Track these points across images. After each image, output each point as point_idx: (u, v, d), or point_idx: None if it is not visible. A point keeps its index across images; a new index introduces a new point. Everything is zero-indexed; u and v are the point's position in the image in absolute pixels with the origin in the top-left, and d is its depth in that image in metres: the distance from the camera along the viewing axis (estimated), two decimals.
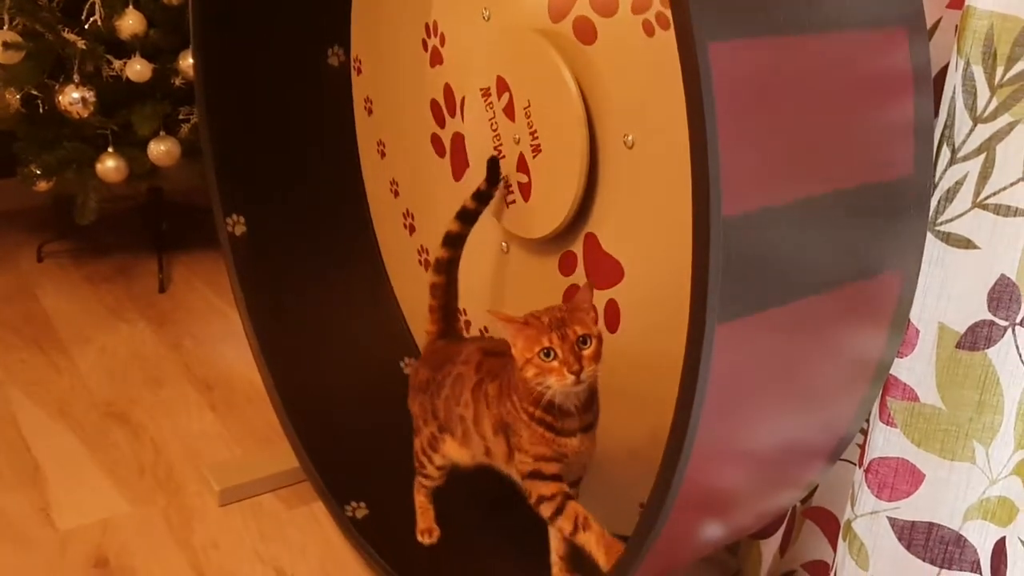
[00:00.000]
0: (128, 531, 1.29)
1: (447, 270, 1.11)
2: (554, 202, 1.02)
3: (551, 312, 0.86)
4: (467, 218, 1.10)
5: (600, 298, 1.01)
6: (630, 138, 0.93)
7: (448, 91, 1.22)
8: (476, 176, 1.13)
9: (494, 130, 1.09)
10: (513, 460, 0.96)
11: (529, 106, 1.03)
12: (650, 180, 0.92)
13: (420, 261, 1.36)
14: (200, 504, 1.35)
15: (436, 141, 1.27)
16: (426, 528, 1.17)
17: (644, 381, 0.99)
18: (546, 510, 0.92)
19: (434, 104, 1.26)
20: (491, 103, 1.09)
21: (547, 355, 0.83)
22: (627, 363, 0.99)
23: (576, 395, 0.88)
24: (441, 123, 1.25)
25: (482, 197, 1.09)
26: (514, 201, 1.09)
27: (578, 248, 1.03)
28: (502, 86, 1.07)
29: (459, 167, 1.23)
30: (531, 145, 1.04)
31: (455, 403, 1.03)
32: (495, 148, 1.10)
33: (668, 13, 0.85)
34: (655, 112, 0.90)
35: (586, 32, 0.97)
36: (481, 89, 1.10)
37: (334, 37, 1.42)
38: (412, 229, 1.38)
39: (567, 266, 1.06)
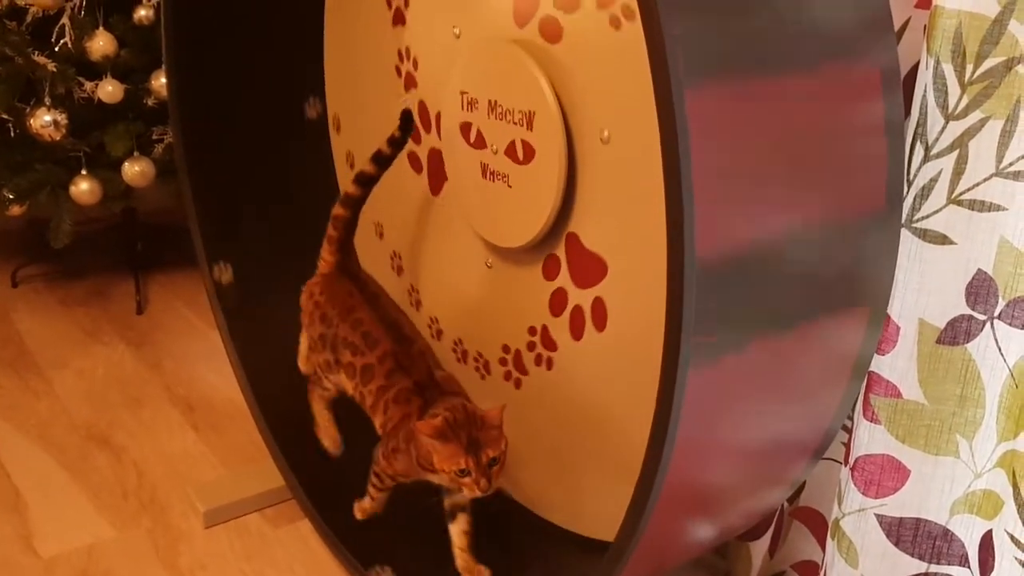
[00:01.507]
0: (113, 556, 1.27)
1: (353, 205, 1.18)
2: (536, 206, 1.02)
3: (468, 424, 0.96)
4: (381, 162, 1.16)
5: (586, 297, 1.01)
6: (606, 133, 0.93)
7: (423, 107, 1.22)
8: (455, 190, 1.13)
9: (471, 142, 1.10)
10: (386, 447, 1.08)
11: (504, 114, 1.03)
12: (628, 173, 0.92)
13: (411, 301, 1.36)
14: (185, 526, 1.34)
15: (413, 159, 1.27)
16: (332, 439, 1.24)
17: (633, 376, 0.98)
18: (372, 490, 1.14)
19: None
20: (467, 115, 1.09)
21: (462, 473, 0.95)
22: (616, 359, 0.99)
23: None
24: (416, 140, 1.25)
25: (395, 143, 1.15)
26: (496, 211, 1.09)
27: (560, 250, 1.03)
28: (476, 97, 1.07)
29: (437, 183, 1.23)
30: (509, 153, 1.04)
31: (361, 383, 1.10)
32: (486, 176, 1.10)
33: (633, 5, 0.86)
34: (628, 105, 0.91)
35: (553, 32, 0.97)
36: (459, 98, 1.10)
37: (307, 63, 1.43)
38: (400, 270, 1.38)
39: (551, 270, 1.06)
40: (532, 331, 1.12)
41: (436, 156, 1.20)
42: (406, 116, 1.14)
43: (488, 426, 0.96)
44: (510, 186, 1.05)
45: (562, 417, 1.11)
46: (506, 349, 1.17)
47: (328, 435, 1.24)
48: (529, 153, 1.01)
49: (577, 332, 1.04)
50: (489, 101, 1.05)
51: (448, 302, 1.28)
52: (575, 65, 0.95)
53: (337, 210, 1.18)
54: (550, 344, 1.09)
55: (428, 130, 1.22)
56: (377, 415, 1.09)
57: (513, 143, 1.03)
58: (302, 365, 1.26)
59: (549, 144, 0.98)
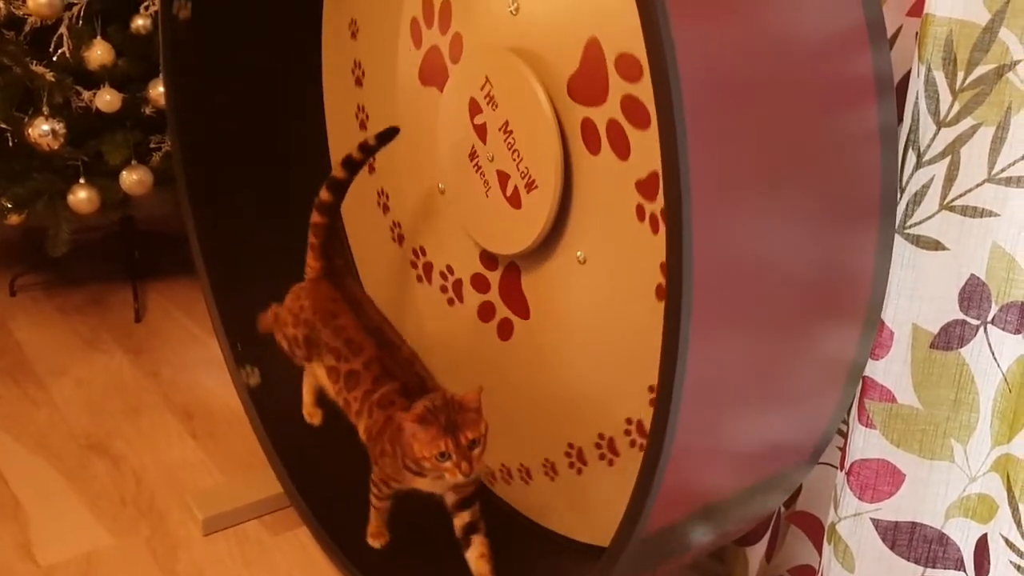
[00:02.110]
0: (112, 564, 1.27)
1: (329, 212, 1.20)
2: (535, 210, 1.03)
3: (446, 409, 0.96)
4: (351, 167, 1.18)
5: None
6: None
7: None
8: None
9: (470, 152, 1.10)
10: (371, 452, 1.09)
11: (503, 123, 1.04)
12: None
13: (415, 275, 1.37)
14: (184, 533, 1.34)
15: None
16: (311, 411, 1.27)
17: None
18: (373, 499, 1.14)
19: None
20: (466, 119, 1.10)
21: (442, 456, 0.95)
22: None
23: None
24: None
25: (367, 149, 1.16)
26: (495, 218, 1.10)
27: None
28: (475, 107, 1.07)
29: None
30: (508, 160, 1.05)
31: (345, 389, 1.11)
32: (474, 167, 1.10)
33: None
34: None
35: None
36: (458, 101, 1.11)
37: (306, 69, 1.43)
38: (401, 239, 1.38)
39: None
40: None
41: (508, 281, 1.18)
42: (391, 132, 1.16)
43: (466, 409, 0.97)
44: (508, 193, 1.06)
45: (557, 414, 1.11)
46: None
47: (307, 409, 1.28)
48: (527, 158, 1.02)
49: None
50: (486, 112, 1.06)
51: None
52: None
53: (315, 217, 1.20)
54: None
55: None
56: (362, 420, 1.09)
57: (513, 150, 1.04)
58: (308, 416, 1.28)
59: (544, 148, 0.99)
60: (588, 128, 0.96)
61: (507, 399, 1.18)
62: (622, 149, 0.93)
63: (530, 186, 1.03)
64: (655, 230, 0.92)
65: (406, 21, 1.22)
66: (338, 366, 1.12)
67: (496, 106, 1.04)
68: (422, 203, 1.28)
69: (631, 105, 0.90)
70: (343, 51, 1.37)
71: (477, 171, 1.10)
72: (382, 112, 1.31)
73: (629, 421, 1.01)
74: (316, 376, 1.20)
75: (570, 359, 1.07)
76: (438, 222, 1.26)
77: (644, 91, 0.89)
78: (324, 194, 1.19)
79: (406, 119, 1.25)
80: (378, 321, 1.15)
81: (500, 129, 1.04)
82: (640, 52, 0.88)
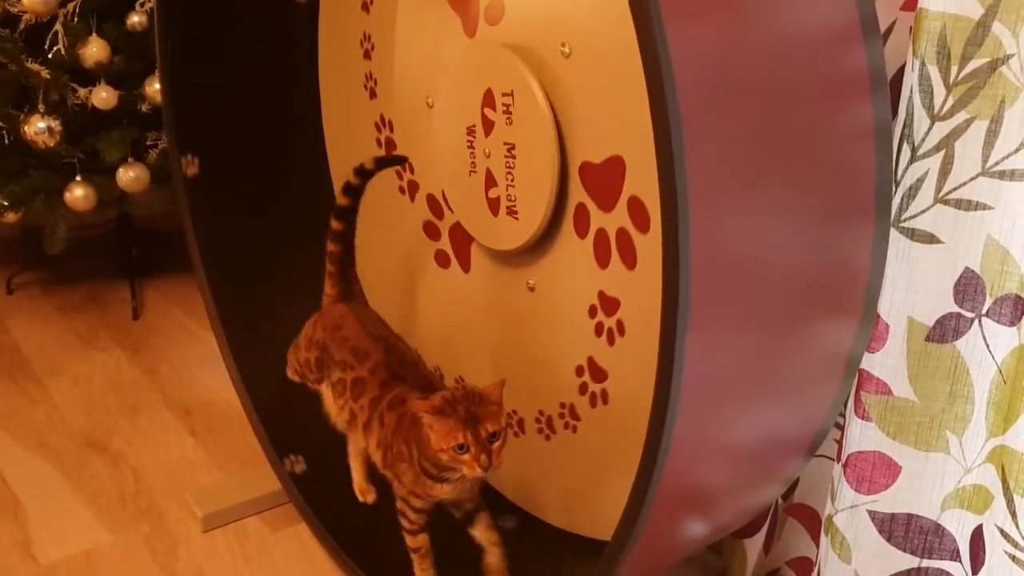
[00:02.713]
0: (112, 561, 1.28)
1: (342, 239, 1.19)
2: (533, 202, 1.03)
3: (466, 400, 0.93)
4: (352, 192, 1.17)
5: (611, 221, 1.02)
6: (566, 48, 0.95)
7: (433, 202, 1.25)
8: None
9: (469, 147, 1.10)
10: (386, 468, 1.06)
11: (511, 143, 1.04)
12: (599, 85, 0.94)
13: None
14: (184, 530, 1.34)
15: (440, 257, 1.29)
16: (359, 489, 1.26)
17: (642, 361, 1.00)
18: (405, 523, 1.07)
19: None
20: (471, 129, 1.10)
21: (460, 449, 0.92)
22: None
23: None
24: (435, 237, 1.27)
25: (364, 173, 1.16)
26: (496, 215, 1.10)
27: (581, 194, 1.03)
28: (489, 100, 1.07)
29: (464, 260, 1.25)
30: (503, 155, 1.05)
31: (352, 399, 1.10)
32: (470, 167, 1.11)
33: None
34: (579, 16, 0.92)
35: (495, 14, 0.99)
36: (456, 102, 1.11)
37: (303, 68, 1.43)
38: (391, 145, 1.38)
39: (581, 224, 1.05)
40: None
41: (458, 232, 1.22)
42: (395, 159, 1.18)
43: (487, 402, 0.94)
44: (507, 188, 1.06)
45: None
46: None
47: (357, 486, 1.27)
48: (523, 152, 1.02)
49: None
50: (483, 107, 1.06)
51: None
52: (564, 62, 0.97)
53: (329, 247, 1.20)
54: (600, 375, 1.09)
55: (440, 216, 1.25)
56: (372, 430, 1.07)
57: (508, 146, 1.04)
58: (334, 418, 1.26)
59: (542, 139, 0.99)
60: (581, 214, 1.00)
61: None
62: (629, 259, 0.96)
63: (511, 210, 1.06)
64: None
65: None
66: (344, 376, 1.10)
67: (511, 121, 1.04)
68: (415, 120, 1.27)
69: (636, 207, 0.93)
70: (344, 45, 1.38)
71: (470, 149, 1.10)
72: (387, 77, 1.31)
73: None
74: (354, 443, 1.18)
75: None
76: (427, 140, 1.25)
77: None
78: (334, 223, 1.19)
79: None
80: (384, 331, 1.14)
81: (504, 143, 1.05)
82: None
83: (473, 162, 1.09)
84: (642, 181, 0.93)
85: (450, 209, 1.19)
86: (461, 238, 1.21)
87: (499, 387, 0.95)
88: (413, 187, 1.29)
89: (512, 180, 1.05)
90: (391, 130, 1.29)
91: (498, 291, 1.17)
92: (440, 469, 0.97)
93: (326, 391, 1.17)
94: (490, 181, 1.08)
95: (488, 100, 1.05)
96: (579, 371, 1.06)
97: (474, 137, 1.08)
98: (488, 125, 1.06)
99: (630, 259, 0.96)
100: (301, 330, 1.22)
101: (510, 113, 1.02)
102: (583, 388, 1.06)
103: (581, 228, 1.02)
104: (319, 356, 1.16)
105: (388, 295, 1.41)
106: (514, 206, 1.06)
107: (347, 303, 1.19)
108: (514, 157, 1.04)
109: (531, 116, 1.00)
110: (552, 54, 0.97)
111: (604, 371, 1.03)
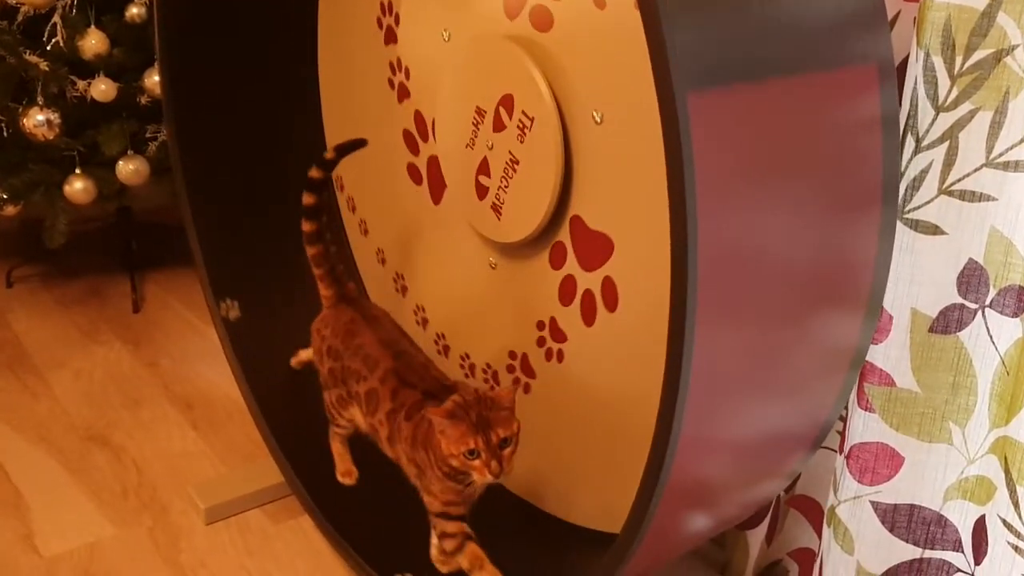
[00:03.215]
0: (115, 554, 1.28)
1: (317, 240, 1.19)
2: (536, 196, 1.03)
3: (478, 405, 0.92)
4: (316, 187, 1.17)
5: (595, 279, 1.02)
6: (598, 115, 0.94)
7: (419, 117, 1.23)
8: (454, 197, 1.15)
9: (471, 142, 1.10)
10: (422, 483, 1.03)
11: (499, 109, 1.04)
12: (624, 150, 0.93)
13: (417, 320, 1.37)
14: (186, 523, 1.34)
15: (412, 170, 1.27)
16: (345, 471, 1.22)
17: (646, 353, 0.99)
18: (449, 545, 1.02)
19: (407, 134, 1.26)
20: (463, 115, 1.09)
21: (471, 454, 0.92)
22: (630, 336, 1.00)
23: None
24: (415, 151, 1.25)
25: (326, 165, 1.16)
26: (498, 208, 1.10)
27: (565, 235, 1.03)
28: (508, 103, 1.07)
29: (437, 192, 1.24)
30: (506, 147, 1.05)
31: (369, 413, 1.09)
32: (470, 141, 1.10)
33: None
34: (618, 84, 0.91)
35: (543, 20, 0.98)
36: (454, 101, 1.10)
37: (302, 53, 1.43)
38: (404, 290, 1.38)
39: (558, 258, 1.06)
40: (540, 326, 1.12)
41: (435, 164, 1.21)
42: (358, 143, 1.16)
43: (499, 407, 0.93)
44: (510, 181, 1.06)
45: (569, 409, 1.12)
46: (512, 355, 1.18)
47: (342, 469, 1.23)
48: (526, 144, 1.02)
49: (589, 317, 1.04)
50: (484, 101, 1.05)
51: (454, 314, 1.29)
52: (565, 49, 0.96)
53: (308, 250, 1.19)
54: (559, 336, 1.09)
55: (425, 139, 1.23)
56: (396, 444, 1.05)
57: (510, 136, 1.04)
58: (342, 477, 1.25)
59: (544, 133, 0.99)
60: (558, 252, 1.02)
61: None
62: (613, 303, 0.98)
63: (496, 207, 1.06)
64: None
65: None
66: (359, 389, 1.09)
67: (523, 140, 1.03)
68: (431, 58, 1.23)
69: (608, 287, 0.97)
70: (337, 30, 1.37)
71: (474, 126, 1.09)
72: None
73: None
74: (351, 419, 1.16)
75: None
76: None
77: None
78: (305, 225, 1.18)
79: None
80: (395, 334, 1.13)
81: (509, 152, 1.04)
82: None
83: (473, 139, 1.09)
84: (623, 265, 0.97)
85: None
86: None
87: (511, 392, 0.94)
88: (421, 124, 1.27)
89: (506, 186, 1.05)
90: (407, 76, 1.25)
91: (461, 241, 1.19)
92: (450, 467, 0.97)
93: (356, 414, 1.14)
94: (484, 169, 1.07)
95: (507, 103, 1.04)
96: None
97: (481, 120, 1.07)
98: (499, 124, 1.05)
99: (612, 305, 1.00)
100: (311, 341, 1.21)
101: (524, 133, 1.02)
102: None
103: (556, 263, 1.05)
104: (332, 367, 1.15)
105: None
106: (500, 206, 1.05)
107: (351, 306, 1.18)
108: (515, 170, 1.03)
109: (543, 153, 1.00)
110: (583, 115, 0.96)
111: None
